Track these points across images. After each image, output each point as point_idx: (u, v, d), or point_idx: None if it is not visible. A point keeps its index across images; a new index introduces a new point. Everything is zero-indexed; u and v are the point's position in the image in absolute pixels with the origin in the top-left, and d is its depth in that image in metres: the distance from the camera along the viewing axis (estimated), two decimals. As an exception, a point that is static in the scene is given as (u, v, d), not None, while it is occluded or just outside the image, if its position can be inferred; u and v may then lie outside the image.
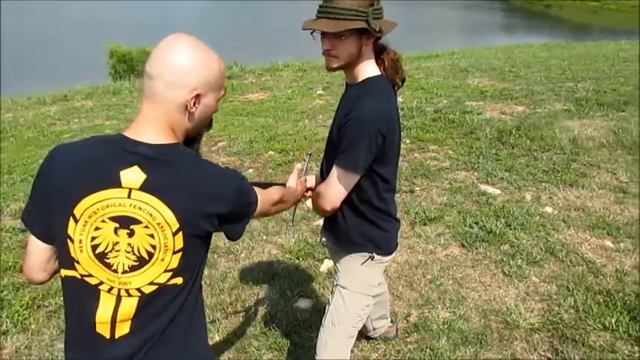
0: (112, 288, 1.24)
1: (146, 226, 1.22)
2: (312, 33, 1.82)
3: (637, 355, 2.65)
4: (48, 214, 1.27)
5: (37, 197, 1.30)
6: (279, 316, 3.07)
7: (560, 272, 3.37)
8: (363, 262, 2.07)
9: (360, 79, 1.87)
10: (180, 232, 1.23)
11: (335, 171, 1.86)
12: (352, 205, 1.98)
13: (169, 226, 1.22)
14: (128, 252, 1.23)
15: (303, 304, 3.18)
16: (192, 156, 1.30)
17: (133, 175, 1.21)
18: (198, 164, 1.29)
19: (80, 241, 1.23)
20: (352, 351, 2.28)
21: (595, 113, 6.34)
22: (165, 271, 1.25)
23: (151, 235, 1.22)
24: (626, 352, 2.67)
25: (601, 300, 3.06)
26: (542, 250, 3.62)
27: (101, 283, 1.24)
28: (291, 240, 3.88)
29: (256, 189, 1.47)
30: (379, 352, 2.79)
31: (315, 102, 7.87)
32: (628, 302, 3.00)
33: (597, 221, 3.93)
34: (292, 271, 3.53)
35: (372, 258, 2.05)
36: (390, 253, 2.14)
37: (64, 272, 1.29)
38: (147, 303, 1.26)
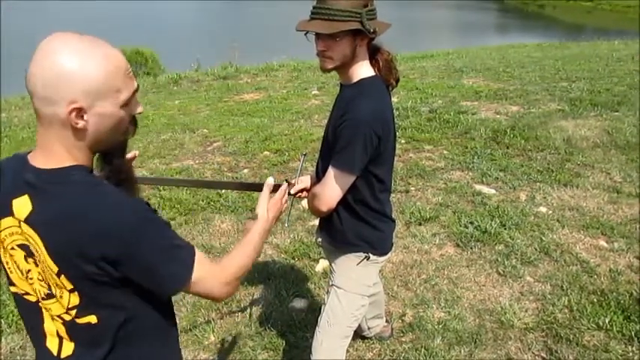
0: (47, 308, 1.19)
1: (39, 261, 1.11)
2: (306, 34, 1.82)
3: (631, 354, 2.67)
4: None
5: None
6: (274, 316, 3.07)
7: (554, 272, 3.38)
8: (359, 263, 2.08)
9: (355, 80, 1.88)
10: (63, 275, 1.09)
11: (331, 171, 1.86)
12: (348, 205, 1.98)
13: (49, 267, 1.10)
14: (40, 280, 1.14)
15: (299, 304, 3.18)
16: (82, 184, 1.09)
17: (21, 206, 1.09)
18: (86, 194, 1.08)
19: (7, 263, 1.18)
20: (347, 350, 2.29)
21: (589, 113, 6.37)
22: (68, 309, 1.14)
23: (43, 271, 1.12)
24: (620, 351, 2.68)
25: (595, 300, 3.08)
26: (536, 249, 3.63)
27: (38, 300, 1.19)
28: (287, 240, 3.88)
29: (206, 263, 1.20)
30: (374, 351, 2.80)
31: (310, 102, 7.87)
32: (622, 302, 3.02)
33: (591, 221, 3.95)
34: (288, 271, 3.53)
35: (368, 258, 2.06)
36: (386, 254, 2.14)
37: (10, 288, 1.24)
38: (72, 330, 1.18)
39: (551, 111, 6.58)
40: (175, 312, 3.34)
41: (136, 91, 1.14)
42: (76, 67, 1.03)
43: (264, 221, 1.48)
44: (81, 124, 1.06)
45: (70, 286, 1.11)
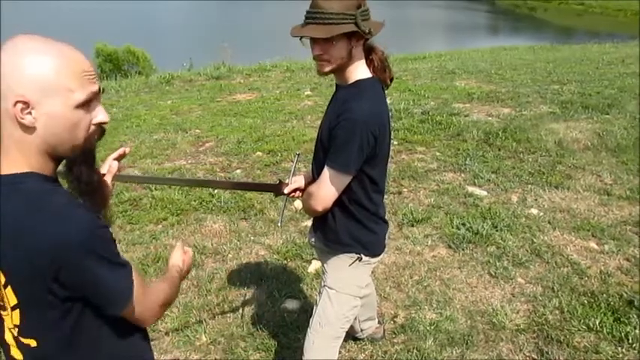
0: (3, 318, 1.16)
1: None
2: (301, 39, 1.82)
3: (621, 355, 2.69)
4: None
5: None
6: (266, 317, 3.07)
7: (545, 273, 3.40)
8: (351, 264, 2.08)
9: (352, 81, 1.88)
10: (9, 286, 1.06)
11: (327, 171, 1.86)
12: (343, 205, 1.98)
13: None
14: None
15: (291, 304, 3.18)
16: (30, 194, 1.05)
17: None
18: (30, 206, 1.03)
19: None
20: (339, 352, 2.28)
21: (580, 116, 6.41)
22: (14, 326, 1.11)
23: None
24: (610, 352, 2.70)
25: (585, 301, 3.09)
26: (527, 251, 3.65)
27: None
28: (279, 241, 3.88)
29: (140, 284, 1.16)
30: (366, 352, 2.80)
31: (303, 103, 7.86)
32: (612, 303, 3.04)
33: (582, 223, 3.98)
34: (280, 271, 3.52)
35: (360, 259, 2.06)
36: (378, 255, 2.15)
37: None
38: (20, 347, 1.16)
39: (542, 113, 6.62)
40: (167, 312, 3.31)
41: (97, 94, 1.09)
42: (27, 62, 1.01)
43: (179, 271, 1.43)
44: (27, 119, 1.02)
45: (13, 302, 1.08)
